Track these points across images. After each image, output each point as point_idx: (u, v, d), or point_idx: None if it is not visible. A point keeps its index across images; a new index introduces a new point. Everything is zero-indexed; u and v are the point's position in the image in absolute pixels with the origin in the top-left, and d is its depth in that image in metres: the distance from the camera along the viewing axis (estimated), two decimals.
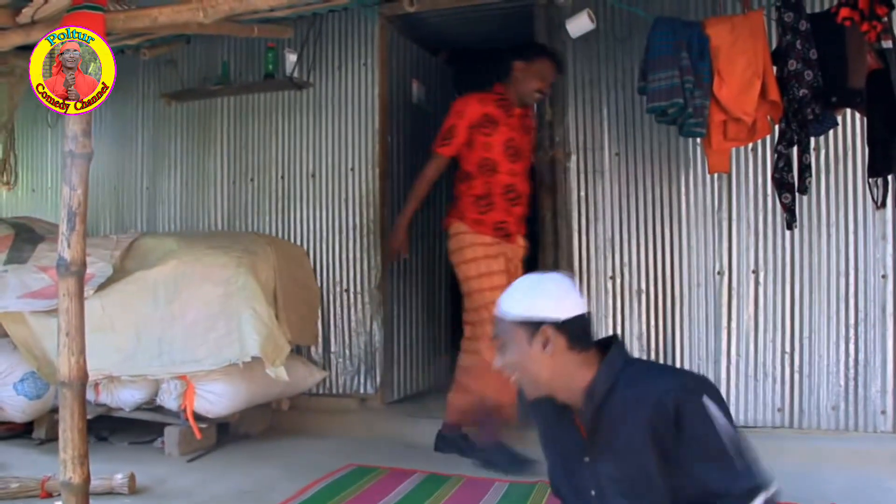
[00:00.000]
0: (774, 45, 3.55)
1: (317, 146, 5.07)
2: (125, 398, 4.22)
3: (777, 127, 3.67)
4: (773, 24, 3.66)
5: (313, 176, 5.08)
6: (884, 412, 4.18)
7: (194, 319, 4.17)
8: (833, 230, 4.25)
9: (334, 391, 4.96)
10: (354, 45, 5.03)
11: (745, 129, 3.54)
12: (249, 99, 5.27)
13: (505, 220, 4.01)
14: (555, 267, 4.47)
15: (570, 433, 1.86)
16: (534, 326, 1.80)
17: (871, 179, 3.68)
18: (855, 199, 4.17)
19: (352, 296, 4.96)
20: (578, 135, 4.57)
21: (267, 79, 5.06)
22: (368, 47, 4.99)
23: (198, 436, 4.08)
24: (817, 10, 3.83)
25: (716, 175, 4.22)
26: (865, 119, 3.64)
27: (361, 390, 4.93)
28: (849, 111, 3.87)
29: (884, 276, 4.20)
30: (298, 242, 5.07)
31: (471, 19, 5.28)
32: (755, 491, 1.66)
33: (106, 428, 4.47)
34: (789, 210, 3.52)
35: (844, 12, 2.69)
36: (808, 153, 3.54)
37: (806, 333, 4.27)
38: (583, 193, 4.55)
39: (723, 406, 1.72)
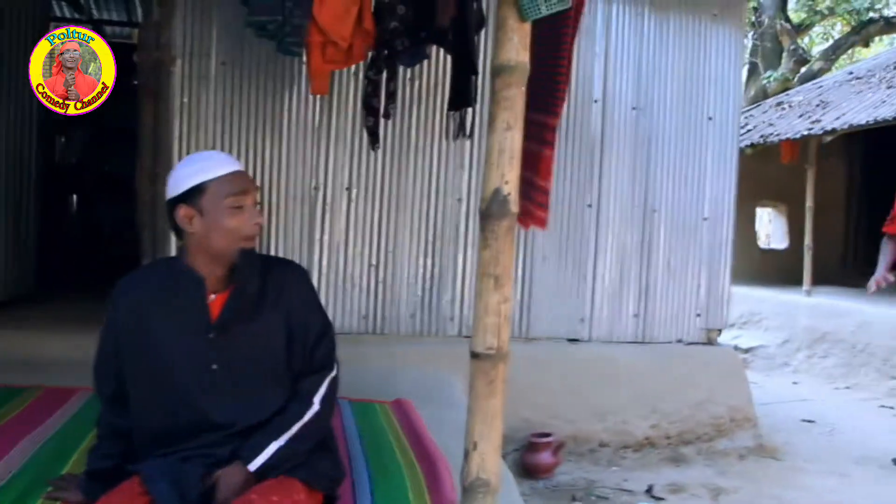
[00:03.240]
0: None
1: None
2: None
3: (370, 55, 3.90)
4: None
5: None
6: (452, 319, 4.81)
7: None
8: (419, 156, 4.70)
9: None
10: None
11: (341, 52, 3.69)
12: None
13: None
14: (153, 175, 4.34)
15: (191, 312, 1.88)
16: None
17: (450, 112, 4.08)
18: (441, 130, 4.62)
19: None
20: (186, 39, 4.42)
21: None
22: None
23: None
24: None
25: (318, 95, 4.37)
26: (450, 57, 4.02)
27: None
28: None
29: (459, 200, 4.77)
30: None
31: None
32: (332, 366, 1.97)
33: None
34: (372, 133, 3.79)
35: None
36: (396, 81, 3.82)
37: (391, 248, 4.71)
38: (185, 100, 4.43)
39: None
